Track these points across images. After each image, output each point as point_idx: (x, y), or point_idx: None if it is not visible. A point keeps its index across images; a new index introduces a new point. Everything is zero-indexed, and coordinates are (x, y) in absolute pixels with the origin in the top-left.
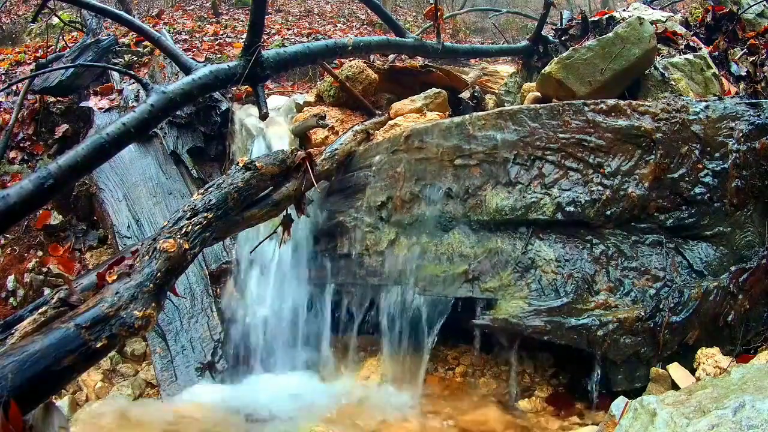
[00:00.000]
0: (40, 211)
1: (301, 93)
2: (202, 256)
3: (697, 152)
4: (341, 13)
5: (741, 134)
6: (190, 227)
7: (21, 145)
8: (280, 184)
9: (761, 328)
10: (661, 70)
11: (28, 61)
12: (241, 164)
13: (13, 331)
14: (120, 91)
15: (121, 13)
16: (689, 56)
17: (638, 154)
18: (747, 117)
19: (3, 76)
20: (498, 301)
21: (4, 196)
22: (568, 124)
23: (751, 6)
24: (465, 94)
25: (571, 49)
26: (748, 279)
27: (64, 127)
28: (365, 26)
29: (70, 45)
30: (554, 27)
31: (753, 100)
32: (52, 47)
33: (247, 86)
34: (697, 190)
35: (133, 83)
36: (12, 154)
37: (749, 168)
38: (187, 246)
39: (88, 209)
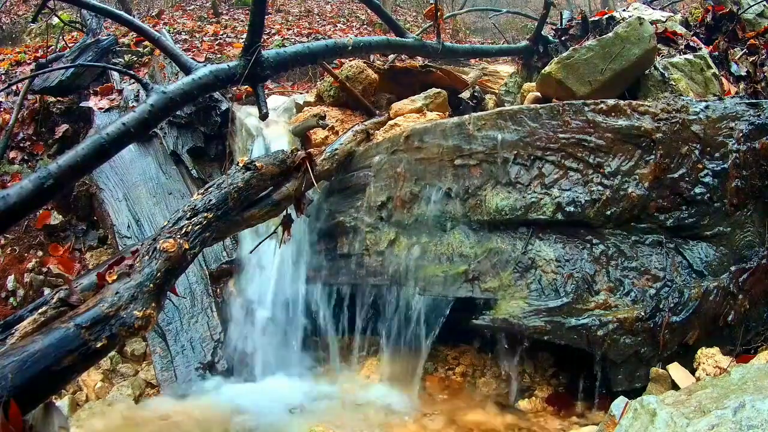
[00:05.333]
0: (40, 211)
1: (301, 93)
2: (202, 256)
3: (697, 152)
4: (341, 13)
5: (741, 134)
6: (190, 227)
7: (21, 145)
8: (280, 184)
9: (761, 328)
10: (661, 70)
11: (28, 61)
12: (241, 164)
13: (13, 331)
14: (120, 91)
15: (121, 13)
16: (689, 56)
17: (638, 154)
18: (747, 117)
19: (3, 76)
20: (498, 301)
21: (4, 196)
22: (568, 124)
23: (751, 6)
24: (465, 94)
25: (571, 49)
26: (748, 279)
27: (64, 127)
28: (365, 26)
29: (70, 45)
30: (554, 27)
31: (753, 100)
32: (52, 47)
33: (247, 86)
34: (697, 190)
35: (133, 83)
36: (12, 154)
37: (749, 168)
38: (187, 246)
39: (88, 209)
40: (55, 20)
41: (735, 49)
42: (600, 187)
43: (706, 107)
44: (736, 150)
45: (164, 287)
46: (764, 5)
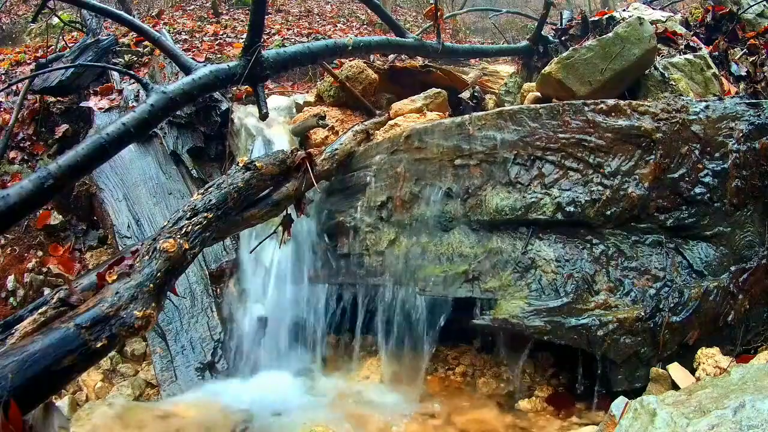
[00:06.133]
0: (40, 211)
1: (301, 93)
2: (202, 256)
3: (697, 152)
4: (341, 13)
5: (741, 134)
6: (190, 227)
7: (21, 145)
8: (280, 184)
9: (761, 328)
10: (661, 70)
11: (28, 61)
12: (241, 164)
13: (13, 331)
14: (120, 91)
15: (121, 13)
16: (689, 56)
17: (638, 154)
18: (747, 117)
19: (3, 76)
20: (498, 301)
21: (4, 196)
22: (568, 124)
23: (751, 6)
24: (465, 94)
25: (571, 49)
26: (748, 279)
27: (64, 127)
28: (365, 26)
29: (70, 45)
30: (554, 27)
31: (753, 100)
32: (52, 47)
33: (247, 86)
34: (697, 190)
35: (133, 83)
36: (12, 154)
37: (749, 168)
38: (187, 246)
39: (88, 209)
40: (55, 20)
41: (735, 49)
42: (600, 187)
43: (706, 107)
44: (736, 150)
45: (164, 287)
46: (764, 5)
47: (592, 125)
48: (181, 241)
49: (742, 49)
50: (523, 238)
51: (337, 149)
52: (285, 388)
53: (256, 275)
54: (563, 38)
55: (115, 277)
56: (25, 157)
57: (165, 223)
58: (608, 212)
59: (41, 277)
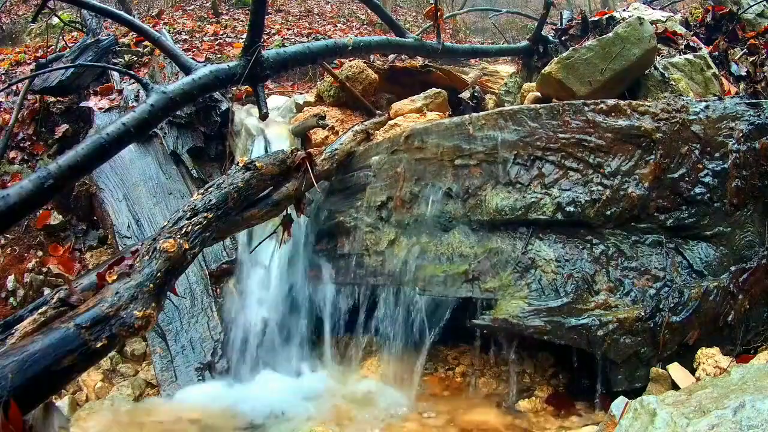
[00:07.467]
0: (40, 211)
1: (301, 93)
2: (202, 256)
3: (697, 152)
4: (341, 13)
5: (741, 134)
6: (190, 227)
7: (21, 145)
8: (280, 184)
9: (761, 328)
10: (661, 70)
11: (28, 61)
12: (241, 164)
13: (13, 331)
14: (120, 91)
15: (121, 13)
16: (689, 56)
17: (638, 154)
18: (747, 117)
19: (3, 76)
20: (498, 301)
21: (4, 196)
22: (568, 124)
23: (751, 6)
24: (465, 94)
25: (571, 49)
26: (748, 279)
27: (64, 127)
28: (365, 26)
29: (70, 45)
30: (554, 27)
31: (753, 100)
32: (52, 47)
33: (247, 86)
34: (697, 190)
35: (133, 83)
36: (12, 154)
37: (749, 168)
38: (187, 246)
39: (88, 209)
40: (55, 20)
41: (735, 49)
42: (600, 187)
43: (706, 107)
44: (736, 150)
45: (164, 287)
46: (764, 5)
47: (592, 125)
48: (181, 241)
49: (742, 49)
50: (523, 238)
51: (337, 149)
52: (285, 389)
53: (256, 275)
54: (563, 38)
55: (115, 277)
56: (25, 157)
57: (165, 223)
58: (608, 212)
59: (41, 277)
